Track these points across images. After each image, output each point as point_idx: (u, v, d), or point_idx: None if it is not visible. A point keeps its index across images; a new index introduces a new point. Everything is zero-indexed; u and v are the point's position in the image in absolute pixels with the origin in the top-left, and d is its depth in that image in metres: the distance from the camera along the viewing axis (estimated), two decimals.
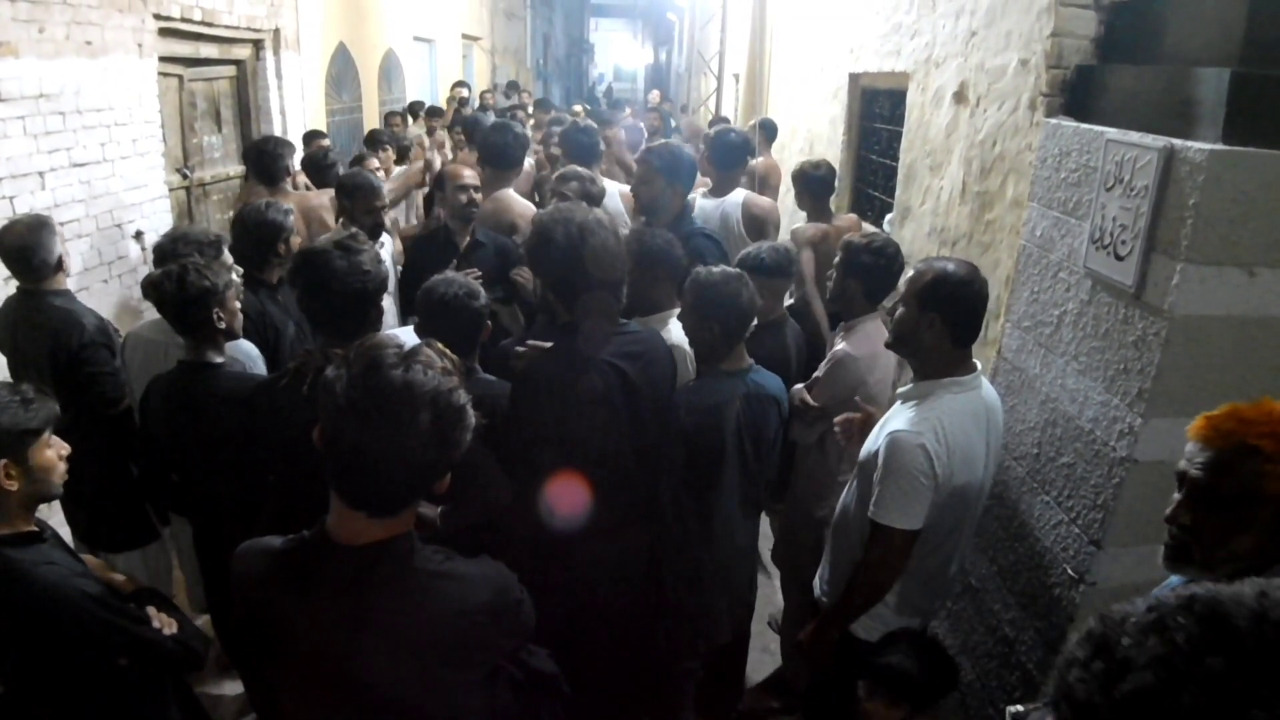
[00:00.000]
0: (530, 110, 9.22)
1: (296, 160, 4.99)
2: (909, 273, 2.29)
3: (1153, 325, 2.21)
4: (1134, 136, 2.27)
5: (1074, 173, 2.55)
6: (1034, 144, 2.85)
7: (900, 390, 2.36)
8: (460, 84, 9.82)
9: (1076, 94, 2.80)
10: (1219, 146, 2.05)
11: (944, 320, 2.20)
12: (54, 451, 1.87)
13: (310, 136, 5.84)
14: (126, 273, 4.57)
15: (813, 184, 4.40)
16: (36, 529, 1.85)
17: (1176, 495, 1.60)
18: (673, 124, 11.15)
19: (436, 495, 1.47)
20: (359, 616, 1.39)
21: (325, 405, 1.35)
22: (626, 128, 5.05)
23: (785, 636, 3.49)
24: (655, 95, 13.14)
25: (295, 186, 4.88)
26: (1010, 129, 3.08)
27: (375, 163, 5.44)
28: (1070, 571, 2.51)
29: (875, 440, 2.29)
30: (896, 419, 2.25)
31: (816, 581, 2.64)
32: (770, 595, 3.79)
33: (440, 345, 1.49)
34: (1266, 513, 1.46)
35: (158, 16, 4.82)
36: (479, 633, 1.50)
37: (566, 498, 2.28)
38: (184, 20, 5.11)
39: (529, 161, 5.96)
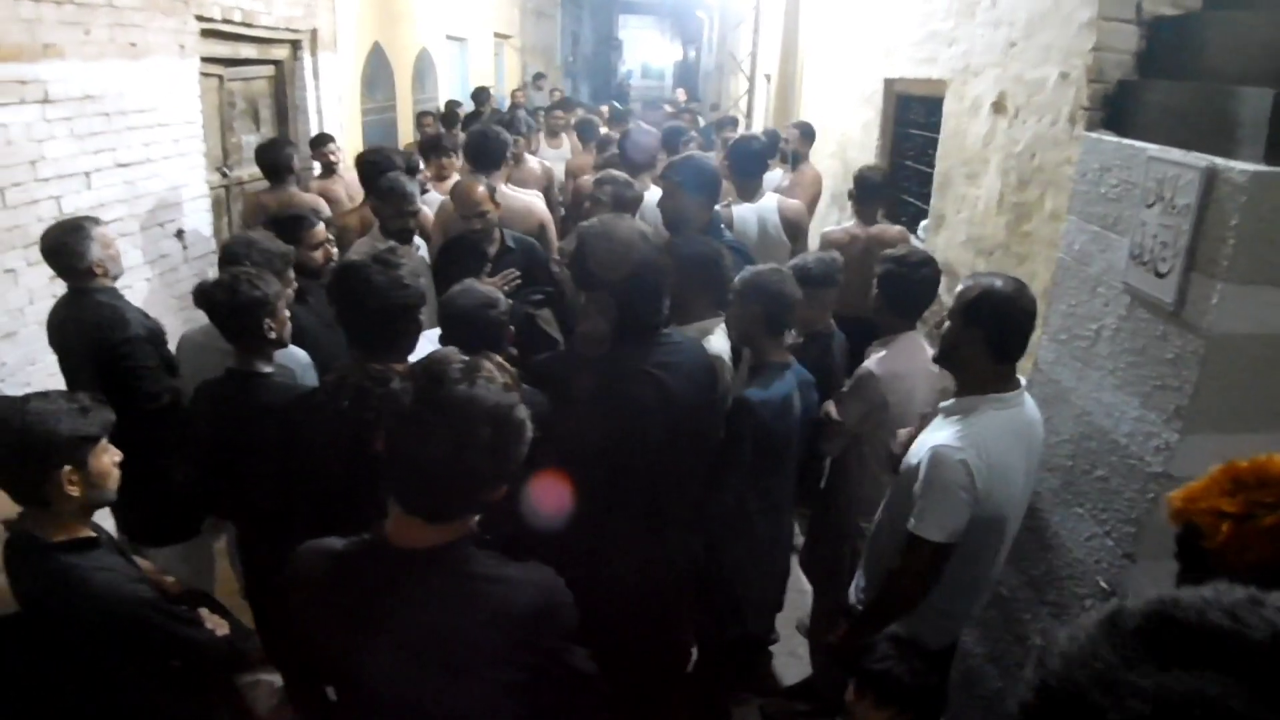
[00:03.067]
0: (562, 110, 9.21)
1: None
2: (958, 287, 2.30)
3: (1191, 343, 2.21)
4: (1176, 155, 2.26)
5: (1114, 188, 2.55)
6: (1073, 157, 2.84)
7: (942, 405, 2.37)
8: (481, 90, 9.85)
9: (1117, 108, 2.79)
10: (1261, 168, 2.04)
11: (987, 336, 2.21)
12: (109, 458, 1.92)
13: (318, 140, 5.91)
14: (168, 271, 4.66)
15: (860, 187, 4.40)
16: (93, 534, 1.91)
17: None
18: (700, 123, 11.11)
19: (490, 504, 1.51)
20: (415, 619, 1.44)
21: (390, 415, 1.40)
22: (636, 130, 5.04)
23: (814, 641, 3.52)
24: (681, 94, 13.12)
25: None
26: (1049, 141, 3.08)
27: (425, 171, 5.48)
28: (1103, 584, 2.51)
29: (916, 453, 2.30)
30: (939, 433, 2.26)
31: (852, 590, 2.67)
32: (797, 600, 3.80)
33: (499, 359, 1.53)
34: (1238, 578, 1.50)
35: (199, 18, 4.90)
36: (529, 635, 1.55)
37: (564, 500, 2.31)
38: (224, 21, 5.19)
39: (536, 162, 6.04)
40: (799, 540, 3.64)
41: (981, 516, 2.22)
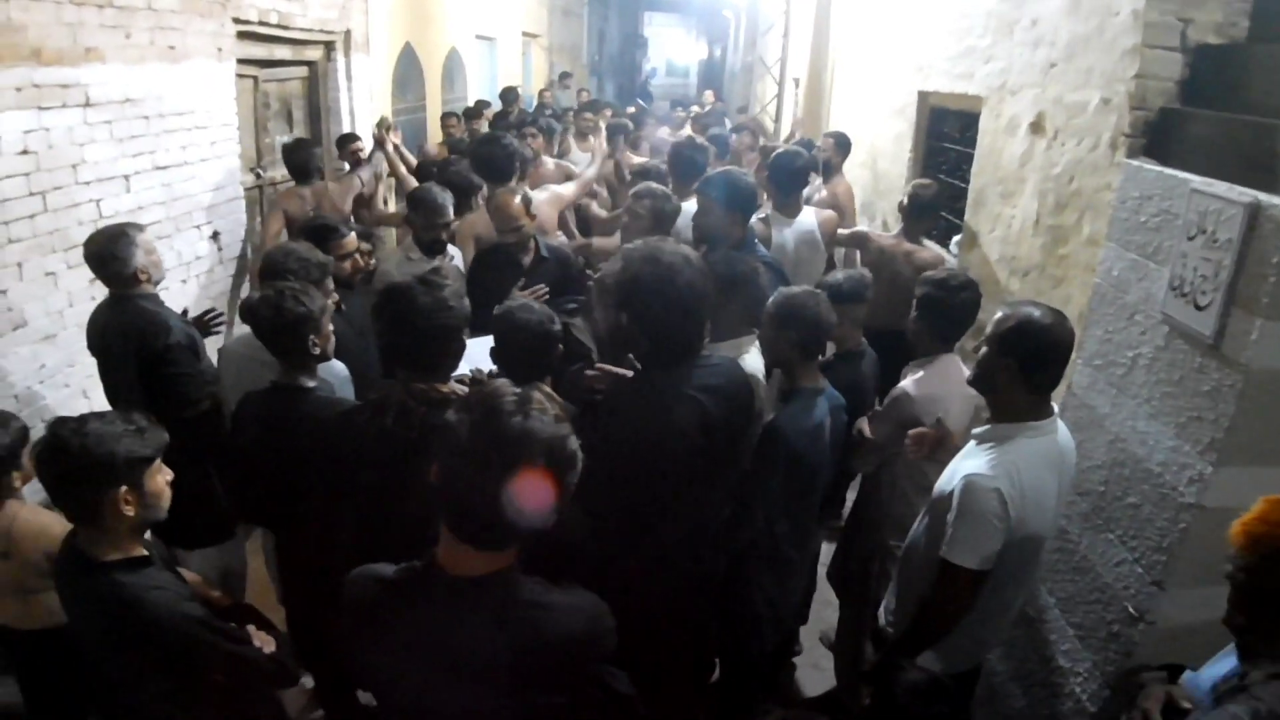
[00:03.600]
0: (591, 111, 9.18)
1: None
2: (997, 314, 2.30)
3: (1228, 377, 2.21)
4: (1220, 188, 2.26)
5: (1154, 217, 2.54)
6: (1113, 184, 2.83)
7: (976, 431, 2.38)
8: (508, 89, 9.87)
9: (1158, 135, 2.78)
10: None
11: (1022, 366, 2.21)
12: (163, 477, 1.96)
13: (344, 140, 5.96)
14: (203, 273, 4.72)
15: (914, 203, 4.35)
16: (145, 553, 1.95)
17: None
18: (727, 124, 11.06)
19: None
20: (467, 644, 1.48)
21: (446, 447, 1.43)
22: (688, 145, 5.02)
23: (839, 655, 3.53)
24: (709, 95, 13.07)
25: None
26: (1089, 166, 3.07)
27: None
28: (1130, 609, 2.52)
29: (950, 480, 2.30)
30: (972, 461, 2.26)
31: (882, 611, 2.69)
32: (821, 611, 3.81)
33: (547, 389, 1.55)
34: None
35: (236, 20, 4.94)
36: (574, 660, 1.59)
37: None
38: (261, 24, 5.23)
39: (552, 163, 6.05)
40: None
41: (1013, 543, 2.23)
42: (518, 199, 3.85)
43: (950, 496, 2.26)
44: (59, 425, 1.86)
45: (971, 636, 2.42)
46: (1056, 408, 2.34)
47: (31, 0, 3.43)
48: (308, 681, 3.33)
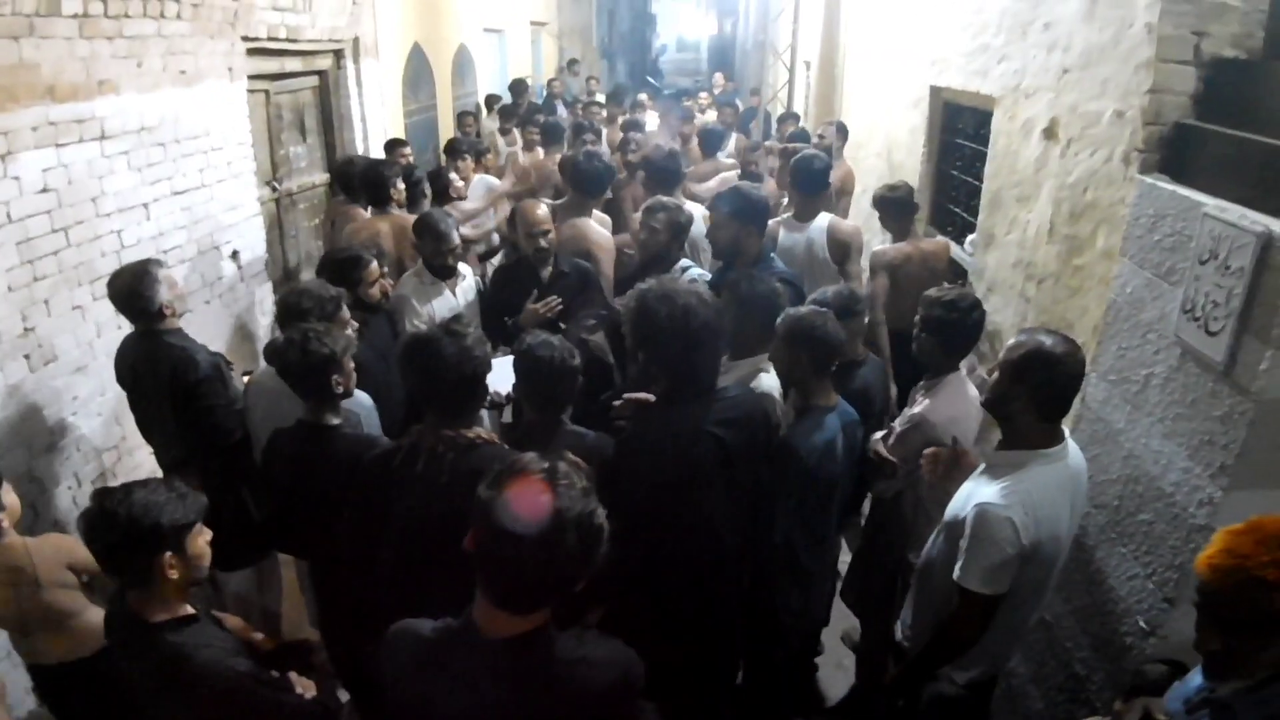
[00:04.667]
0: (602, 99, 9.16)
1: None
2: (1010, 340, 2.31)
3: (1240, 404, 2.21)
4: (1233, 214, 2.25)
5: (1169, 237, 2.53)
6: (1127, 198, 2.82)
7: (986, 455, 2.40)
8: (518, 81, 9.81)
9: (1173, 151, 2.75)
10: None
11: (1032, 395, 2.24)
12: (204, 539, 2.03)
13: (392, 145, 5.96)
14: (225, 292, 4.77)
15: (891, 207, 4.37)
16: (193, 611, 2.03)
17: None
18: (739, 105, 10.95)
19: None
20: (506, 702, 1.56)
21: (480, 520, 1.51)
22: (657, 153, 4.86)
23: (862, 663, 3.58)
24: (719, 78, 12.95)
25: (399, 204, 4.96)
26: (1104, 178, 3.04)
27: (456, 176, 5.49)
28: (1142, 624, 2.55)
29: (964, 506, 2.34)
30: (986, 489, 2.29)
31: (899, 626, 2.74)
32: (842, 611, 3.85)
33: (573, 457, 1.61)
34: None
35: (246, 39, 4.95)
36: (608, 709, 1.67)
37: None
38: (270, 39, 5.24)
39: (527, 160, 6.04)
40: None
41: (1028, 566, 2.27)
42: (542, 208, 3.89)
43: (964, 523, 2.29)
44: (105, 497, 1.93)
45: (987, 650, 2.46)
46: (1068, 431, 2.36)
47: (43, 39, 3.45)
48: (344, 695, 3.44)
